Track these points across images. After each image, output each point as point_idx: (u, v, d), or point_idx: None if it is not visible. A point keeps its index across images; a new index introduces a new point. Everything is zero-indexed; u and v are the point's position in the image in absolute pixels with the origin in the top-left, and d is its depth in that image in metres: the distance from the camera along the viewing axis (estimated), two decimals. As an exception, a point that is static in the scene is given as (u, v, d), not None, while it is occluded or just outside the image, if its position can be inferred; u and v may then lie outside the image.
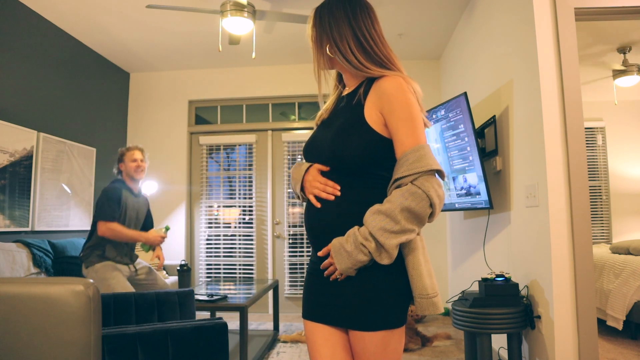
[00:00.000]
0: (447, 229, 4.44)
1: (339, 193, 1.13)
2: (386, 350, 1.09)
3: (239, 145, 4.87)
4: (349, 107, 1.17)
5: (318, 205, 1.15)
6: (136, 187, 3.00)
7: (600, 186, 5.32)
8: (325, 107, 1.28)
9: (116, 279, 2.74)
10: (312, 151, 1.22)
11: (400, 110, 1.08)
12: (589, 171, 4.54)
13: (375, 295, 1.08)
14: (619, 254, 3.65)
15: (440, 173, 1.09)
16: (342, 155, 1.11)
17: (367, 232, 1.04)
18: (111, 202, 2.76)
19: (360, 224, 1.09)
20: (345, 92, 1.27)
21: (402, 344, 1.14)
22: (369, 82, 1.16)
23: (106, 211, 2.72)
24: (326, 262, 1.13)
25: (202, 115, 5.00)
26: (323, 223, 1.15)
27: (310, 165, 1.20)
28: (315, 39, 1.22)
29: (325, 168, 1.16)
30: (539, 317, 2.27)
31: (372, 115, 1.11)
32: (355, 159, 1.10)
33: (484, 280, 2.34)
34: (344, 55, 1.16)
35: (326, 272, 1.14)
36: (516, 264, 2.58)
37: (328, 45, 1.18)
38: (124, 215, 2.84)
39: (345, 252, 1.06)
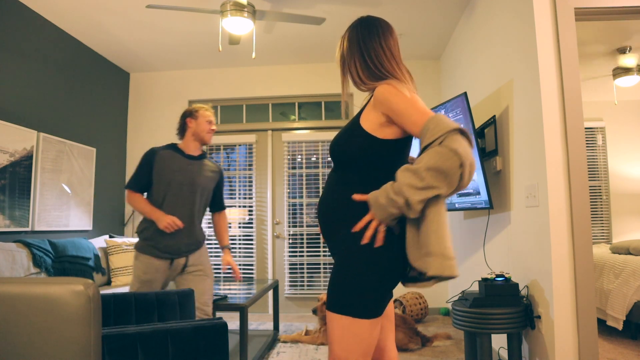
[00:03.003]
0: (447, 229, 4.44)
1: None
2: (345, 334, 1.21)
3: (239, 145, 4.87)
4: (356, 114, 1.37)
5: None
6: (197, 150, 2.53)
7: (600, 186, 5.32)
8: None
9: (149, 286, 2.34)
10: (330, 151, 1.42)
11: (398, 105, 1.22)
12: (589, 171, 4.54)
13: (349, 281, 1.22)
14: (619, 254, 3.65)
15: (464, 134, 1.15)
16: (335, 152, 1.33)
17: (398, 186, 1.16)
18: (139, 168, 2.40)
19: (345, 216, 1.27)
20: None
21: (368, 335, 1.22)
22: (372, 93, 1.33)
23: (131, 178, 2.40)
24: (366, 217, 1.23)
25: (202, 115, 4.99)
26: (319, 212, 1.38)
27: None
28: (340, 63, 1.43)
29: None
30: (539, 317, 2.27)
31: (368, 118, 1.28)
32: (344, 155, 1.30)
33: (484, 280, 2.34)
34: (352, 74, 1.37)
35: (362, 228, 1.24)
36: (516, 264, 2.58)
37: (347, 68, 1.38)
38: (168, 180, 2.37)
39: (379, 204, 1.19)
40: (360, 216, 1.24)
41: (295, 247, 4.68)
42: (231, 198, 4.83)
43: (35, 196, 3.43)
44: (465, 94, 2.76)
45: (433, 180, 1.11)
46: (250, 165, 4.82)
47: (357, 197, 1.25)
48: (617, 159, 5.32)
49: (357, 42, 1.35)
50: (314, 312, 3.35)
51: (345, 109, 1.47)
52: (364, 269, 1.21)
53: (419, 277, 1.24)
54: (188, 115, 2.51)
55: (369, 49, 1.33)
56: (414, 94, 1.26)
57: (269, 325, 4.02)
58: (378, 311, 1.23)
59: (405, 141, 1.30)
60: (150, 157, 2.40)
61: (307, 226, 4.69)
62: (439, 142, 1.12)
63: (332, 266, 4.59)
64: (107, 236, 4.00)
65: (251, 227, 4.75)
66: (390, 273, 1.24)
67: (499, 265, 2.85)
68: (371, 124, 1.26)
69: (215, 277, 4.74)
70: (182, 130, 2.53)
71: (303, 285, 4.62)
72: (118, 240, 3.85)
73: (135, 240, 3.97)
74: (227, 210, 4.82)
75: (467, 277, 3.63)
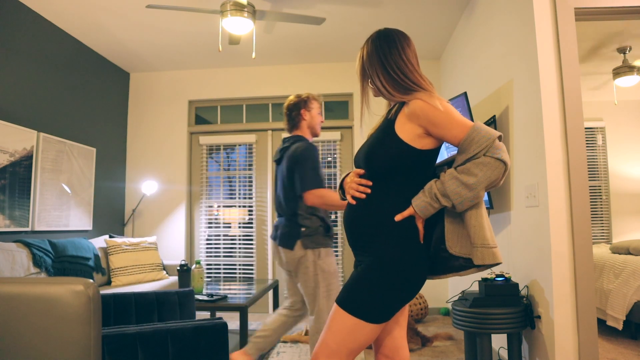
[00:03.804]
0: (447, 229, 4.43)
1: (369, 191, 1.34)
2: (344, 330, 1.27)
3: (239, 145, 4.87)
4: (384, 123, 1.40)
5: (353, 202, 1.38)
6: None
7: (600, 186, 5.32)
8: (375, 125, 1.50)
9: (338, 281, 2.28)
10: (355, 159, 1.47)
11: (439, 119, 1.27)
12: (589, 171, 4.54)
13: (370, 288, 1.27)
14: (619, 254, 3.65)
15: (501, 139, 1.26)
16: (372, 160, 1.34)
17: (445, 191, 1.23)
18: (317, 164, 2.25)
19: (382, 226, 1.30)
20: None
21: (365, 338, 1.27)
22: (400, 104, 1.38)
23: (315, 178, 2.22)
24: (409, 210, 1.29)
25: (202, 115, 5.00)
26: (350, 221, 1.39)
27: (351, 171, 1.45)
28: (360, 74, 1.47)
29: (361, 171, 1.38)
30: (539, 317, 2.27)
31: (405, 129, 1.31)
32: (382, 165, 1.32)
33: (484, 280, 2.34)
34: (377, 86, 1.41)
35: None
36: (516, 264, 2.58)
37: (370, 80, 1.43)
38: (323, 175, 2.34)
39: (423, 204, 1.27)
40: (397, 224, 1.30)
41: (295, 247, 4.67)
42: (231, 198, 4.83)
43: (35, 196, 3.42)
44: (465, 94, 2.76)
45: (482, 191, 1.22)
46: (250, 165, 4.82)
47: (399, 217, 1.29)
48: (617, 159, 5.32)
49: (378, 56, 1.39)
50: None
51: (361, 118, 1.51)
52: (389, 280, 1.26)
53: (464, 265, 1.29)
54: (303, 106, 2.42)
55: (390, 62, 1.37)
56: (446, 103, 1.31)
57: (269, 325, 4.02)
58: (386, 318, 1.28)
59: (438, 150, 1.36)
60: (317, 152, 2.31)
61: (307, 226, 4.68)
62: (484, 153, 1.21)
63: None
64: (107, 236, 4.00)
65: (251, 227, 4.74)
66: (413, 287, 1.29)
67: (499, 265, 2.85)
68: (408, 134, 1.30)
69: (215, 276, 4.74)
70: (296, 122, 2.43)
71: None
72: (118, 240, 3.85)
73: (136, 240, 3.97)
74: (227, 210, 4.82)
75: (467, 277, 3.62)
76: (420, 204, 1.27)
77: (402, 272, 1.26)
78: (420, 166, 1.33)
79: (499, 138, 1.23)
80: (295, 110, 2.42)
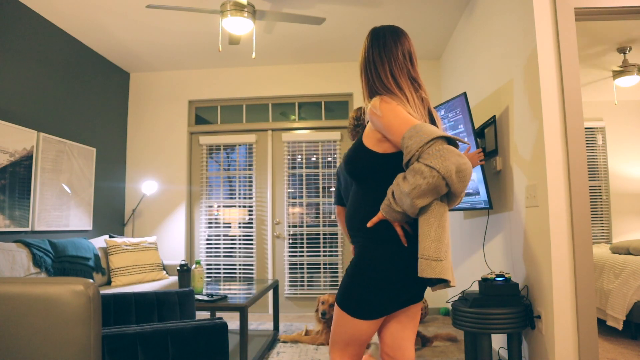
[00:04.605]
0: (447, 229, 4.43)
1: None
2: (338, 323, 1.36)
3: (239, 145, 4.87)
4: (361, 132, 1.43)
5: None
6: None
7: (600, 186, 5.32)
8: None
9: None
10: None
11: (380, 123, 1.27)
12: (589, 171, 4.54)
13: (353, 284, 1.32)
14: (619, 254, 3.65)
15: (450, 141, 1.15)
16: (348, 167, 1.39)
17: (396, 195, 1.21)
18: None
19: (362, 226, 1.34)
20: None
21: (355, 331, 1.33)
22: None
23: None
24: (378, 215, 1.30)
25: (202, 115, 5.00)
26: (346, 222, 1.45)
27: None
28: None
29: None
30: (539, 317, 2.27)
31: (369, 135, 1.34)
32: (355, 170, 1.37)
33: (484, 280, 2.34)
34: (362, 87, 1.42)
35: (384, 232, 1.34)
36: (516, 264, 2.58)
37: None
38: None
39: (386, 208, 1.26)
40: (374, 227, 1.32)
41: (295, 247, 4.68)
42: (231, 198, 4.84)
43: (35, 196, 3.42)
44: (465, 94, 2.76)
45: (420, 200, 1.14)
46: (250, 165, 4.82)
47: (369, 224, 1.31)
48: (617, 159, 5.32)
49: (363, 57, 1.39)
50: (323, 315, 3.33)
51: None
52: (364, 279, 1.30)
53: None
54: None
55: (370, 61, 1.36)
56: (395, 106, 1.25)
57: (269, 325, 4.02)
58: (369, 316, 1.30)
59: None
60: None
61: (307, 226, 4.69)
62: (417, 158, 1.14)
63: (331, 266, 4.61)
64: (107, 236, 4.00)
65: (251, 227, 4.74)
66: (392, 289, 1.28)
67: (499, 265, 2.85)
68: (370, 140, 1.32)
69: (215, 277, 4.74)
70: (362, 128, 2.56)
71: (303, 285, 4.62)
72: (118, 240, 3.85)
73: (136, 240, 3.97)
74: (227, 210, 4.82)
75: (467, 277, 3.62)
76: (385, 208, 1.25)
77: (377, 273, 1.28)
78: (386, 170, 1.30)
79: (449, 140, 1.14)
80: (364, 117, 2.55)
